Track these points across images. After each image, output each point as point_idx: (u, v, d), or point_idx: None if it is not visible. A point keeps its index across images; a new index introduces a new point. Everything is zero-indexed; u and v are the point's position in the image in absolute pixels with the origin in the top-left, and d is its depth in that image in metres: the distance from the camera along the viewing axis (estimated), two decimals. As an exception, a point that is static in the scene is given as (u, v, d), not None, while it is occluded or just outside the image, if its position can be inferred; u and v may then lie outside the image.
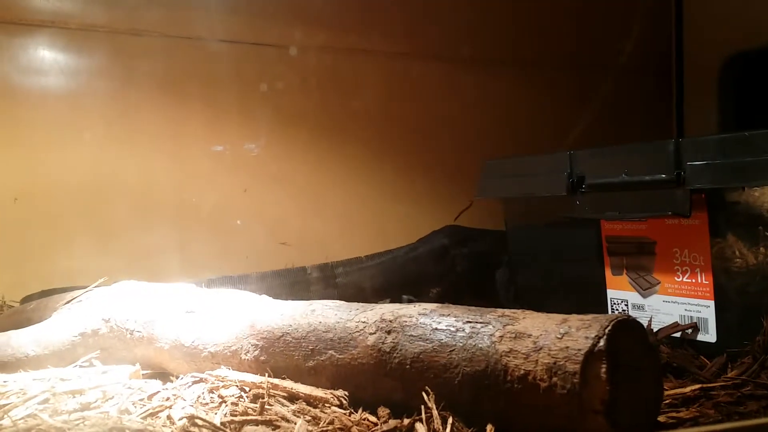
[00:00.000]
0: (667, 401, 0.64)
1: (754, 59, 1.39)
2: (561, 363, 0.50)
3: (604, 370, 0.49)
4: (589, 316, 0.53)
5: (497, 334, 0.54)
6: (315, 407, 0.59)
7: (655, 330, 0.86)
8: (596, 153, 0.92)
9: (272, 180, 1.30)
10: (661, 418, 0.58)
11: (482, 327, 0.56)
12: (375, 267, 1.11)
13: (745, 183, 0.76)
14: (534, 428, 0.52)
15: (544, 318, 0.55)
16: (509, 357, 0.53)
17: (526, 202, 1.06)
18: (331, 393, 0.60)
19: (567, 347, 0.51)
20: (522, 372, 0.52)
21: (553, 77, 1.50)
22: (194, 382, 0.69)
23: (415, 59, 1.41)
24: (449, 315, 0.58)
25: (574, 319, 0.53)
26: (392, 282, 1.13)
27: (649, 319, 0.87)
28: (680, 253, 0.85)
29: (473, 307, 0.59)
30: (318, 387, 0.62)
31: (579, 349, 0.50)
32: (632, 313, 0.91)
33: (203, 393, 0.64)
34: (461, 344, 0.55)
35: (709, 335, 0.83)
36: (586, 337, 0.50)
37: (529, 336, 0.53)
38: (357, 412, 0.59)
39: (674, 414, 0.59)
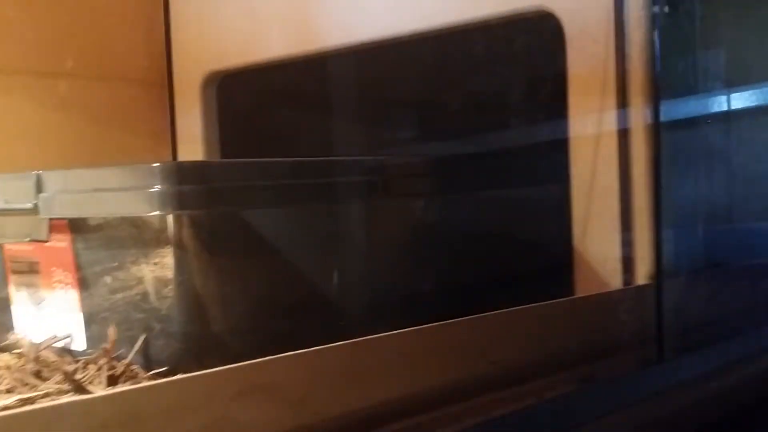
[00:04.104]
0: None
1: (229, 79, 1.57)
2: None
3: None
4: None
5: None
6: None
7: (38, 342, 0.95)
8: (-9, 178, 0.98)
9: None
10: None
11: None
12: None
13: (89, 214, 0.88)
14: None
15: None
16: None
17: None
18: None
19: None
20: None
21: (46, 86, 1.52)
22: None
23: None
24: None
25: None
26: None
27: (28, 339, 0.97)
28: (57, 272, 0.95)
29: None
30: None
31: None
32: (34, 325, 0.99)
33: None
34: None
35: (81, 344, 0.94)
36: None
37: None
38: None
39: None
